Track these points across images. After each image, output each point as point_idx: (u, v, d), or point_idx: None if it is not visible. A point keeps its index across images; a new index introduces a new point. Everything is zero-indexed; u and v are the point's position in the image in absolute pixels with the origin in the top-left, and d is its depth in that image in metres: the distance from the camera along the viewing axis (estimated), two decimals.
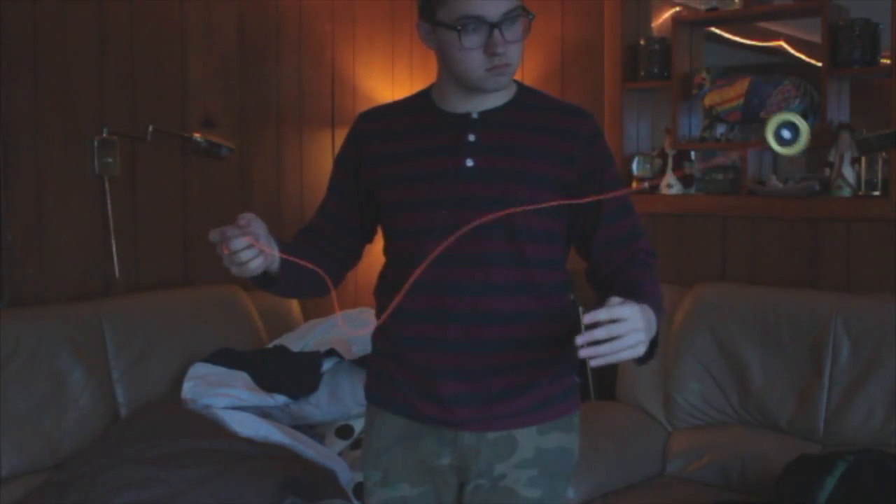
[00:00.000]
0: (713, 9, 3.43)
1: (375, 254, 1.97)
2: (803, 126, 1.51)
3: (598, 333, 1.46)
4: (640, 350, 1.50)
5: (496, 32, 1.67)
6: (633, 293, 1.58)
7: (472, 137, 1.76)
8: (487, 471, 1.80)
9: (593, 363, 1.46)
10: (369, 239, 1.95)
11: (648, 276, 1.75)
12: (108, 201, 3.18)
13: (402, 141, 1.81)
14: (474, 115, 1.77)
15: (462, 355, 1.74)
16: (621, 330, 1.47)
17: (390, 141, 1.81)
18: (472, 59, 1.69)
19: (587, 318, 1.45)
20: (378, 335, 1.89)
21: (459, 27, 1.67)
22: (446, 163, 1.76)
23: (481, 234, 1.71)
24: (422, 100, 1.85)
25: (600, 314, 1.46)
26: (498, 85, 1.74)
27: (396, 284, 1.73)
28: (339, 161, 1.91)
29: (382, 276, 1.89)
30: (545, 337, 1.79)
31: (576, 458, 1.89)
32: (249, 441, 2.79)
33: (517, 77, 1.84)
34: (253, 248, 1.57)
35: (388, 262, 1.88)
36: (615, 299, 1.50)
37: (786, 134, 1.52)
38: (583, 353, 1.46)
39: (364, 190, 1.84)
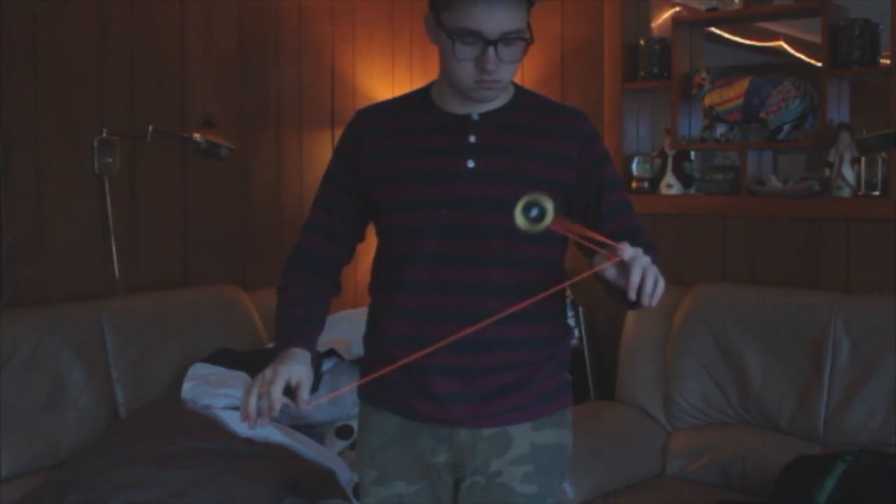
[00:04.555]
0: (713, 9, 3.43)
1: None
2: (549, 207, 1.58)
3: (641, 288, 1.53)
4: (662, 283, 1.55)
5: (490, 50, 1.66)
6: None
7: (472, 139, 1.76)
8: (483, 467, 1.81)
9: (651, 302, 1.54)
10: (362, 237, 1.94)
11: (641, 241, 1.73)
12: (108, 201, 3.18)
13: (401, 139, 1.81)
14: (475, 117, 1.78)
15: (458, 354, 1.74)
16: (645, 275, 1.52)
17: (390, 138, 1.81)
18: (464, 69, 1.70)
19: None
20: (371, 336, 1.89)
21: (456, 37, 1.67)
22: (447, 163, 1.76)
23: (481, 234, 1.72)
24: (421, 98, 1.85)
25: (634, 279, 1.52)
26: (485, 97, 1.76)
27: (393, 283, 1.76)
28: (338, 156, 1.90)
29: (377, 275, 1.89)
30: (540, 337, 1.81)
31: (570, 454, 1.90)
32: (249, 441, 2.79)
33: (517, 79, 1.85)
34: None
35: (384, 261, 1.88)
36: (604, 254, 1.56)
37: (533, 212, 1.59)
38: (638, 299, 1.53)
39: (361, 186, 1.84)
